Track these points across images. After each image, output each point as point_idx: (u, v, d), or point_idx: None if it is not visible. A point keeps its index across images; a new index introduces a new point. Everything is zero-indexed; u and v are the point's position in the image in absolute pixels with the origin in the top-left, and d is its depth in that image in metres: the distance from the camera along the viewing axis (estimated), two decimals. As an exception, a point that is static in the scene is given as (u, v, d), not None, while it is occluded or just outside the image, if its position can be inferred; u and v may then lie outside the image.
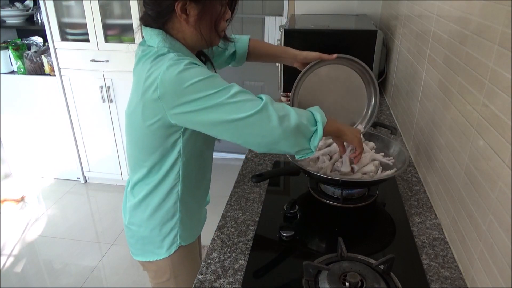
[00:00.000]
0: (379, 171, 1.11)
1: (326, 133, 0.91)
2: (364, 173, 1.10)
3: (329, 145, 1.24)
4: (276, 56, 1.25)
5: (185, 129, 0.91)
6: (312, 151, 0.89)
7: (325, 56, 1.16)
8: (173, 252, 1.05)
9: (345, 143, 1.02)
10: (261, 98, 0.85)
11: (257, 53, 1.24)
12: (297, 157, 0.91)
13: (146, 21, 0.91)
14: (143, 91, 0.84)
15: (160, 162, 0.95)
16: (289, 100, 1.20)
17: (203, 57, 1.05)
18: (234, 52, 1.22)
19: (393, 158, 1.19)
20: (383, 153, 1.21)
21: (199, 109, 0.81)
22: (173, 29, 0.89)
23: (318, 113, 0.90)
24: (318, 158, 1.19)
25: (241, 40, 1.22)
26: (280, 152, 0.88)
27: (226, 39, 0.99)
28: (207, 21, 0.88)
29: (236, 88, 0.83)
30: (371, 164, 1.11)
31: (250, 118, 0.81)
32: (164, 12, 0.86)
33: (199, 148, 0.99)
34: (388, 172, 1.11)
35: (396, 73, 1.78)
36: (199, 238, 1.20)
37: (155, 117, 0.86)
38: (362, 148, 1.00)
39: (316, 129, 0.87)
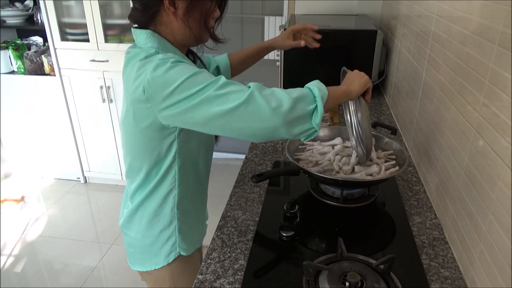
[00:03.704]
0: (383, 170, 1.11)
1: (331, 104, 0.85)
2: (370, 174, 1.10)
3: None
4: (258, 53, 1.28)
5: (180, 131, 0.89)
6: (316, 130, 0.82)
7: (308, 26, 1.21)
8: (172, 261, 1.03)
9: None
10: (249, 87, 0.80)
11: (240, 60, 1.26)
12: (302, 139, 0.84)
13: (134, 17, 0.90)
14: (132, 93, 0.83)
15: (157, 167, 0.94)
16: None
17: (191, 55, 1.03)
18: (218, 68, 1.23)
19: (392, 151, 1.20)
20: (380, 150, 1.21)
21: (188, 107, 0.78)
22: (161, 24, 0.88)
23: (315, 88, 0.82)
24: (318, 161, 1.19)
25: (221, 57, 1.24)
26: (282, 138, 0.83)
27: (215, 38, 0.96)
28: (196, 15, 0.87)
29: (222, 80, 0.79)
30: (374, 165, 1.11)
31: (238, 110, 0.76)
32: (151, 4, 0.85)
33: (195, 151, 0.97)
34: (390, 171, 1.11)
35: (396, 73, 1.78)
36: (199, 248, 1.19)
37: (147, 119, 0.84)
38: (370, 86, 0.96)
39: (316, 106, 0.80)
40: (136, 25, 0.91)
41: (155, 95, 0.79)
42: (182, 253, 1.04)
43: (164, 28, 0.88)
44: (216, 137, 1.10)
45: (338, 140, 1.26)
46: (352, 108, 1.07)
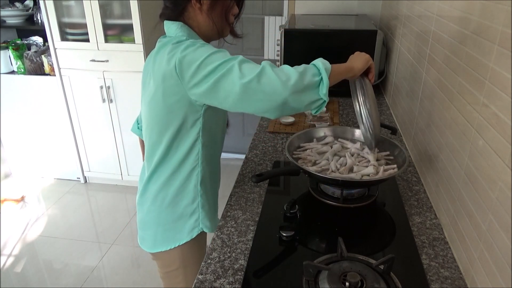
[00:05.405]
0: (381, 171, 1.11)
1: (335, 78, 0.93)
2: (367, 175, 1.10)
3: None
4: None
5: (206, 110, 0.97)
6: (325, 100, 0.91)
7: None
8: (195, 236, 1.09)
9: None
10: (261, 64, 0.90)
11: None
12: (313, 112, 0.93)
13: (165, 14, 1.02)
14: (164, 71, 0.92)
15: (178, 140, 1.00)
16: None
17: None
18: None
19: (389, 152, 1.20)
20: (377, 150, 1.21)
21: (212, 82, 0.87)
22: (188, 18, 1.00)
23: (319, 62, 0.92)
24: (316, 161, 1.19)
25: None
26: (295, 111, 0.90)
27: (235, 34, 1.10)
28: (219, 10, 1.00)
29: (240, 57, 0.90)
30: (370, 167, 1.12)
31: (252, 83, 0.85)
32: (180, 1, 0.98)
33: (216, 132, 1.05)
34: (388, 172, 1.11)
35: (396, 73, 1.78)
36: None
37: (176, 95, 0.93)
38: (372, 66, 1.05)
39: (321, 77, 0.89)
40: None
41: (185, 71, 0.90)
42: (205, 230, 1.10)
43: (191, 22, 1.01)
44: (227, 124, 1.18)
45: (337, 140, 1.26)
46: (360, 96, 1.11)
